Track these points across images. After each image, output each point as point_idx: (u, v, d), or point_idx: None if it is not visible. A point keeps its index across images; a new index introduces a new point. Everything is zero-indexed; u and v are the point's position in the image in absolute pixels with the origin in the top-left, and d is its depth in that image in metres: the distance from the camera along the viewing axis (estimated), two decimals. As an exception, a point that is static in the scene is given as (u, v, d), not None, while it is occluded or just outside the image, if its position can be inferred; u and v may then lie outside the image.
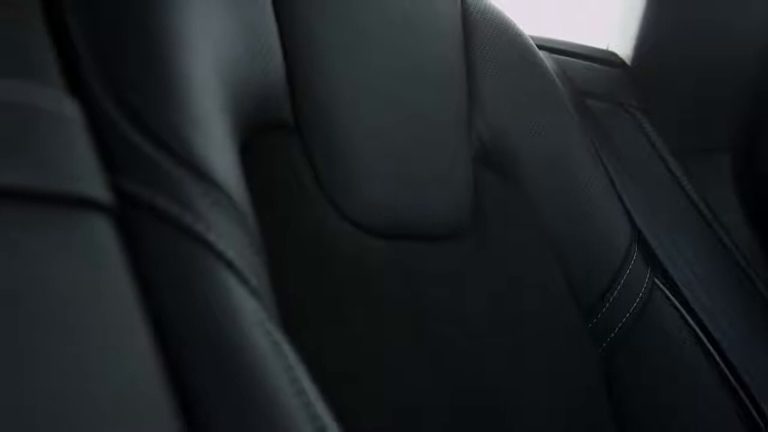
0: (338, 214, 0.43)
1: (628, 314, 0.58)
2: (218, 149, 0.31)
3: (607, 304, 0.58)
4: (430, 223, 0.50)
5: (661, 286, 0.61)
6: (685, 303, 0.61)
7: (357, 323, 0.41)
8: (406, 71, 0.51)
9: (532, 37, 0.64)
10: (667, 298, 0.61)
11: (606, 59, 0.76)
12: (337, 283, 0.42)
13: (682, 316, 0.60)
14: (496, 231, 0.55)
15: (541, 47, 0.66)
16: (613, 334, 0.58)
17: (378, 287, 0.43)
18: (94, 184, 0.26)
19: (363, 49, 0.48)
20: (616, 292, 0.58)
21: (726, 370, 0.59)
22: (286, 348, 0.28)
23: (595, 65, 0.76)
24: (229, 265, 0.28)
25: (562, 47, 0.76)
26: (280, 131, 0.42)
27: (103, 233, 0.25)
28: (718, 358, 0.59)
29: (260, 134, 0.41)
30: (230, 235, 0.29)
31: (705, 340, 0.60)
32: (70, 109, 0.27)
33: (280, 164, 0.42)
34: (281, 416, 0.25)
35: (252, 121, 0.40)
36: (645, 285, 0.59)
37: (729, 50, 0.74)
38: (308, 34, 0.44)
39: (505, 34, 0.60)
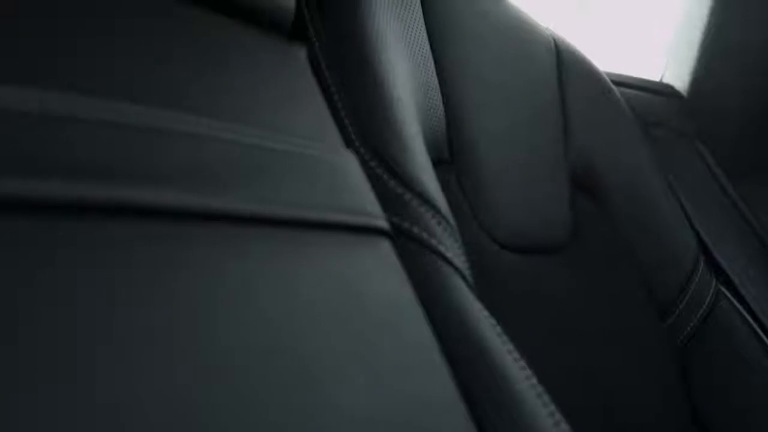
0: (487, 236, 0.52)
1: (698, 316, 0.67)
2: (434, 183, 0.41)
3: (681, 306, 0.67)
4: (545, 237, 0.59)
5: (725, 291, 0.71)
6: (745, 305, 0.71)
7: (510, 325, 0.51)
8: (517, 111, 0.61)
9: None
10: (731, 301, 0.71)
11: (663, 91, 0.86)
12: (491, 292, 0.51)
13: (745, 318, 0.70)
14: (589, 243, 0.64)
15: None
16: (684, 334, 0.67)
17: (520, 292, 0.53)
18: (381, 219, 0.35)
19: (492, 100, 0.57)
20: (687, 296, 0.68)
21: None
22: (507, 338, 0.37)
23: (654, 96, 0.85)
24: (462, 275, 0.37)
25: (622, 80, 0.86)
26: (441, 167, 0.52)
27: (391, 254, 0.35)
28: None
29: None
30: (457, 252, 0.39)
31: (765, 338, 0.69)
32: (353, 161, 0.36)
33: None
34: (527, 413, 0.31)
35: None
36: (712, 290, 0.69)
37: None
38: (457, 92, 0.54)
39: (589, 72, 0.70)
